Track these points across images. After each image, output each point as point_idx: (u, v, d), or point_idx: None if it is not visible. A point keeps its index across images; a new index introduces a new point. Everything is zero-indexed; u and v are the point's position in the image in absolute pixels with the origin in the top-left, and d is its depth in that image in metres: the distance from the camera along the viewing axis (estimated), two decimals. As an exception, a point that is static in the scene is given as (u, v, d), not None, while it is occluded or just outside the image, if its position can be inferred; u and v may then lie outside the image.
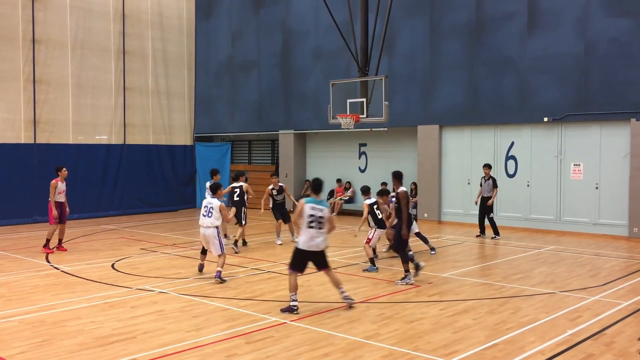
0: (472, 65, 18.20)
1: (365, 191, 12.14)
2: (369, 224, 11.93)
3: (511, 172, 17.77)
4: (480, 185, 16.16)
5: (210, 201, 10.72)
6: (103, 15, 20.61)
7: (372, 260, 11.58)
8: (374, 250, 11.84)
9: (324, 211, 8.52)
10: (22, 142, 18.72)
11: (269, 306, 8.83)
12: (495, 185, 15.83)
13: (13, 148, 18.53)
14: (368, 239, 11.69)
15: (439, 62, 18.89)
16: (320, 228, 8.49)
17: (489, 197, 15.80)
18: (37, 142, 18.99)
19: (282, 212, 14.77)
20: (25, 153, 18.71)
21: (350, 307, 8.69)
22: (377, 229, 11.72)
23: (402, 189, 10.63)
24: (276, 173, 16.04)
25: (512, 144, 17.75)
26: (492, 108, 17.86)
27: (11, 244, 14.60)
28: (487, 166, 16.06)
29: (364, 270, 11.45)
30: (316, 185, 8.84)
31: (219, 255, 10.57)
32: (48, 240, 13.43)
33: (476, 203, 16.32)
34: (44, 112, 19.16)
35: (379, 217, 11.84)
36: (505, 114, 17.64)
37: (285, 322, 7.98)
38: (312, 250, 8.51)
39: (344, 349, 6.97)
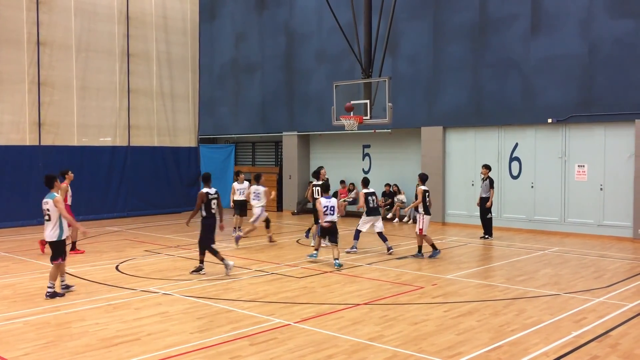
0: (475, 66, 18.18)
1: (424, 179, 13.17)
2: (416, 210, 13.11)
3: (515, 173, 17.74)
4: (481, 186, 16.16)
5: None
6: (107, 17, 20.68)
7: (433, 246, 12.92)
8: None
9: (49, 204, 9.37)
10: (27, 144, 18.78)
11: (272, 308, 8.84)
12: (491, 186, 15.78)
13: (18, 150, 18.59)
14: (420, 229, 12.78)
15: (443, 63, 18.88)
16: (47, 220, 9.38)
17: (487, 198, 15.76)
18: (42, 144, 19.05)
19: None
20: (30, 155, 18.76)
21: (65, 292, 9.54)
22: (424, 215, 12.87)
23: (202, 189, 11.29)
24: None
25: (516, 145, 17.72)
26: (496, 109, 17.83)
27: (16, 246, 14.65)
28: (485, 167, 16.03)
29: (430, 257, 12.80)
30: (45, 180, 9.63)
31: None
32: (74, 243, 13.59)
33: (477, 204, 16.30)
34: (48, 114, 19.23)
35: (427, 204, 13.00)
36: (509, 115, 17.61)
37: (289, 324, 7.99)
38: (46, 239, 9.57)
39: (348, 350, 6.98)
